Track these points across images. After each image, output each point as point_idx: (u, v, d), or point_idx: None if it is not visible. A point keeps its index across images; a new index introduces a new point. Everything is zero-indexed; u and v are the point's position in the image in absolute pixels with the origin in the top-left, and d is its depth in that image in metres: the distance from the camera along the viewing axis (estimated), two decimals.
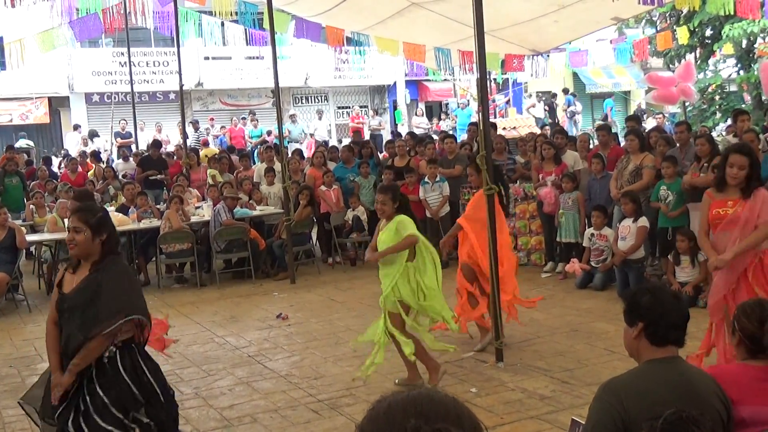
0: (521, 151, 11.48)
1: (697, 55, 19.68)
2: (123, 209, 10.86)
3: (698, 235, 5.51)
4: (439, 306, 5.61)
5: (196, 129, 20.32)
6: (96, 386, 3.77)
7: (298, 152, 13.63)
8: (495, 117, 20.02)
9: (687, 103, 16.14)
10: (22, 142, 19.16)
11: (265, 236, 10.71)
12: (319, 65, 23.57)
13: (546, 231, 9.84)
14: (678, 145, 9.13)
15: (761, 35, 19.13)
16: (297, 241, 10.46)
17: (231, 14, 12.80)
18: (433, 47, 13.33)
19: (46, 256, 10.28)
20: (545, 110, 23.78)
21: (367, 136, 20.51)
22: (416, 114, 24.25)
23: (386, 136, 19.92)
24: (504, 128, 16.42)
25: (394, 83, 25.56)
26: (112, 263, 3.90)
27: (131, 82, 16.43)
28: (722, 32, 18.09)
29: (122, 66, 20.46)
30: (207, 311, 8.68)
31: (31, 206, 11.87)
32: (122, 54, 19.45)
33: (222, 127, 21.30)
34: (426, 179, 10.38)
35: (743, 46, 19.36)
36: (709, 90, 19.84)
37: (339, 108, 25.84)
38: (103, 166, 15.39)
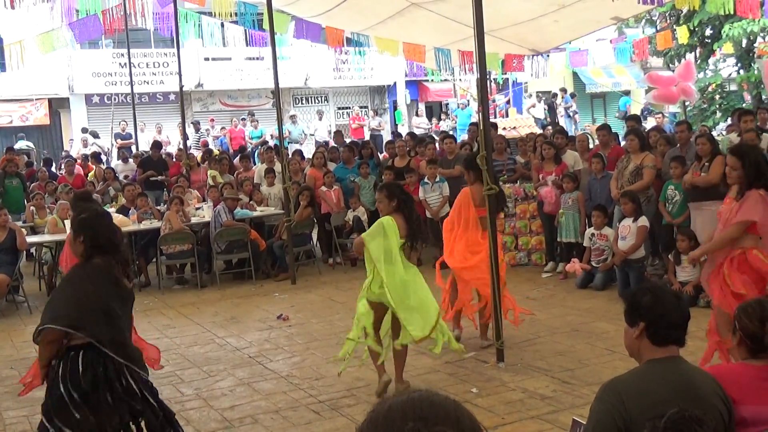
0: (521, 151, 11.49)
1: (697, 55, 19.67)
2: (123, 210, 10.86)
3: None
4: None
5: (197, 130, 20.33)
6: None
7: (299, 153, 13.64)
8: (495, 117, 20.01)
9: (687, 103, 16.14)
10: (21, 144, 19.16)
11: (266, 237, 10.71)
12: (319, 66, 23.56)
13: (546, 231, 9.83)
14: (678, 144, 9.14)
15: (761, 34, 19.12)
16: (297, 241, 10.47)
17: (231, 15, 12.81)
18: (432, 47, 13.33)
19: (47, 257, 10.28)
20: (545, 110, 23.79)
21: (367, 136, 20.56)
22: (416, 114, 24.25)
23: (386, 136, 19.92)
24: (504, 128, 16.42)
25: (394, 83, 25.56)
26: (78, 267, 3.97)
27: (131, 83, 16.44)
28: (722, 32, 18.07)
29: (122, 67, 20.44)
30: (207, 312, 8.68)
31: (32, 208, 11.86)
32: (122, 55, 19.44)
33: (222, 128, 21.31)
34: (426, 180, 10.37)
35: (743, 45, 19.34)
36: (709, 89, 19.83)
37: (339, 108, 25.83)
38: (104, 167, 15.39)
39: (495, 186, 6.14)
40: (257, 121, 21.08)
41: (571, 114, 23.12)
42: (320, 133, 21.81)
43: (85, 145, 18.99)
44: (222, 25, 14.04)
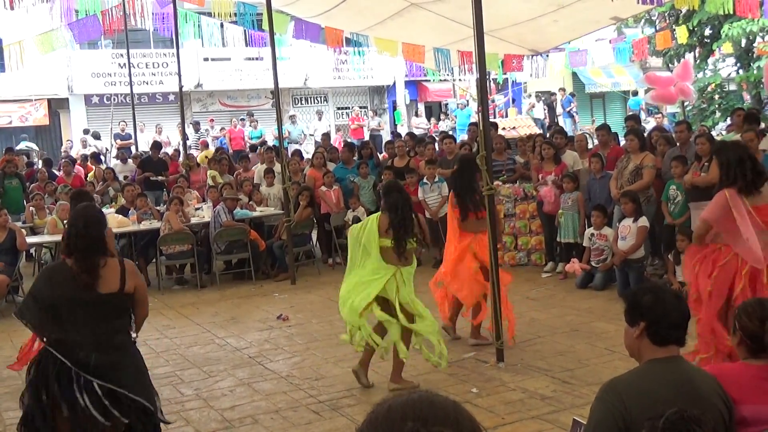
0: (521, 151, 11.49)
1: (697, 55, 19.68)
2: (123, 211, 10.85)
3: None
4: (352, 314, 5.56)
5: (197, 130, 20.33)
6: None
7: (298, 153, 13.64)
8: (494, 117, 20.03)
9: (686, 103, 16.14)
10: (23, 145, 19.17)
11: (266, 237, 10.71)
12: (319, 66, 23.57)
13: (546, 231, 9.83)
14: (678, 144, 9.14)
15: (760, 34, 19.12)
16: (297, 241, 10.46)
17: (230, 15, 12.82)
18: (432, 48, 13.32)
19: (47, 257, 10.28)
20: (544, 110, 23.79)
21: (366, 136, 20.56)
22: (416, 114, 24.24)
23: (386, 136, 19.93)
24: (504, 128, 16.43)
25: (394, 84, 25.56)
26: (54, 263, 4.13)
27: (131, 83, 16.42)
28: (721, 31, 18.08)
29: (122, 67, 20.44)
30: (207, 312, 8.68)
31: (31, 208, 11.86)
32: (121, 55, 19.45)
33: (222, 128, 21.31)
34: (425, 180, 10.37)
35: (742, 45, 19.35)
36: (709, 89, 19.84)
37: (339, 109, 25.84)
38: (103, 167, 15.39)
39: (492, 187, 6.16)
40: (257, 122, 21.08)
41: (573, 114, 23.13)
42: (320, 134, 21.80)
43: (85, 146, 18.99)
44: (221, 25, 14.03)
